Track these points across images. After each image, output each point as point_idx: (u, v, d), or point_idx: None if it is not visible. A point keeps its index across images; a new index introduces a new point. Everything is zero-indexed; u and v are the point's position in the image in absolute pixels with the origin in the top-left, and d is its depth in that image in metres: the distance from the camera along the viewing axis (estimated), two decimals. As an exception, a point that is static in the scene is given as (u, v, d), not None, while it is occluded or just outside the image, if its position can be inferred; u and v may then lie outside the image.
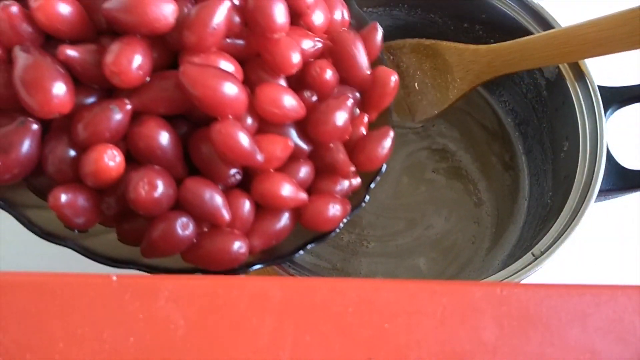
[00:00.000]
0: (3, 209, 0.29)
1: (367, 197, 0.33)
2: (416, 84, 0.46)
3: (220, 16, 0.28)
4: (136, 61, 0.27)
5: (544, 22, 0.43)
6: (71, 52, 0.27)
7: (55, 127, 0.28)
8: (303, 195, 0.30)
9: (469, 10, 0.47)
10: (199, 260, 0.29)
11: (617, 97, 0.42)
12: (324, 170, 0.32)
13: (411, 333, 0.22)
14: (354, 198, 0.33)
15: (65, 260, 0.50)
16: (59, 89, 0.26)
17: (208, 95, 0.27)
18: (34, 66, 0.26)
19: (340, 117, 0.31)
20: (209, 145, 0.28)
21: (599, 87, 0.41)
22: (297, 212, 0.31)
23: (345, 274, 0.46)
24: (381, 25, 0.50)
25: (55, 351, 0.21)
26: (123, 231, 0.30)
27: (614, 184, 0.39)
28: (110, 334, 0.21)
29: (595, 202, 0.37)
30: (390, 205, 0.49)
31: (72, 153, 0.27)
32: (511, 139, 0.51)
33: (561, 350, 0.21)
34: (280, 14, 0.29)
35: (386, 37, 0.51)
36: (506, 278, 0.35)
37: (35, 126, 0.27)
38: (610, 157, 0.39)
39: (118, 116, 0.27)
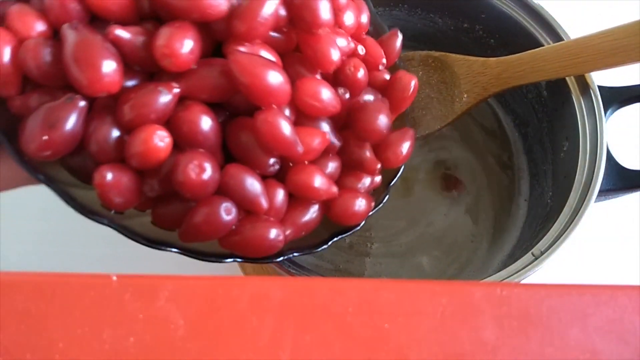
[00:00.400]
0: (44, 182, 0.29)
1: (388, 195, 0.34)
2: (421, 98, 0.46)
3: (270, 8, 0.28)
4: (187, 45, 0.27)
5: (544, 22, 0.43)
6: (120, 32, 0.27)
7: (99, 107, 0.28)
8: (334, 189, 0.31)
9: (469, 10, 0.47)
10: (236, 246, 0.30)
11: (617, 97, 0.42)
12: (350, 166, 0.32)
13: (411, 333, 0.22)
14: (374, 195, 0.34)
15: (65, 260, 0.50)
16: (110, 67, 0.26)
17: (256, 84, 0.28)
18: (85, 43, 0.26)
19: (384, 119, 0.32)
20: (249, 134, 0.29)
21: (599, 87, 0.41)
22: (326, 205, 0.31)
23: (348, 274, 0.46)
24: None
25: (55, 351, 0.21)
26: (159, 214, 0.30)
27: (614, 184, 0.39)
28: (110, 334, 0.21)
29: (595, 202, 0.37)
30: (391, 205, 0.49)
31: (116, 133, 0.27)
32: (511, 139, 0.51)
33: (561, 350, 0.21)
34: (325, 10, 0.30)
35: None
36: (506, 278, 0.35)
37: (82, 103, 0.27)
38: (610, 157, 0.39)
39: (165, 99, 0.27)
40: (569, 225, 0.37)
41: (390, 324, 0.22)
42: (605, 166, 0.38)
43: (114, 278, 0.22)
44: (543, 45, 0.43)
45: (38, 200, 0.53)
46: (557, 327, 0.22)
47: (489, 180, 0.50)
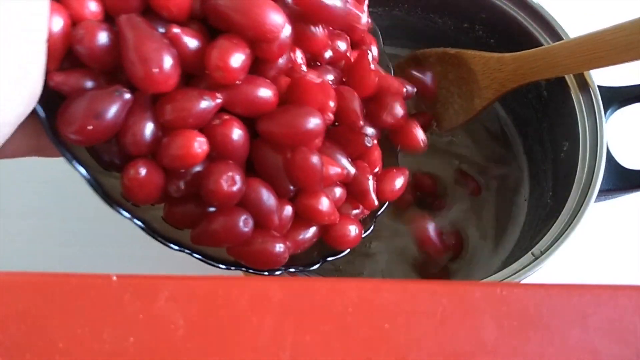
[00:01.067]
0: (73, 164, 0.28)
1: (373, 226, 0.37)
2: (442, 94, 0.46)
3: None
4: (240, 62, 0.28)
5: (544, 22, 0.43)
6: (179, 32, 0.28)
7: (140, 101, 0.28)
8: (337, 215, 0.32)
9: (469, 10, 0.47)
10: (243, 256, 0.31)
11: (617, 97, 0.42)
12: (350, 194, 0.34)
13: (411, 333, 0.22)
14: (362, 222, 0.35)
15: (65, 261, 0.50)
16: (169, 65, 0.27)
17: (298, 125, 0.30)
18: (147, 38, 0.26)
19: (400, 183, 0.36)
20: (278, 158, 0.30)
21: (599, 87, 0.41)
22: (324, 228, 0.33)
23: (347, 275, 0.46)
24: (381, 25, 0.50)
25: (55, 351, 0.21)
26: (174, 213, 0.31)
27: (614, 184, 0.39)
28: (110, 334, 0.21)
29: (595, 202, 0.37)
30: (391, 204, 0.49)
31: (153, 130, 0.28)
32: (511, 139, 0.51)
33: (561, 350, 0.21)
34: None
35: (387, 37, 0.52)
36: (506, 278, 0.35)
37: (128, 96, 0.27)
38: (610, 157, 0.39)
39: (207, 107, 0.28)
40: (569, 225, 0.37)
41: (390, 324, 0.22)
42: (605, 166, 0.38)
43: (114, 278, 0.22)
44: (542, 44, 0.43)
45: (38, 199, 0.53)
46: (557, 327, 0.22)
47: (492, 181, 0.50)
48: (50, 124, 0.27)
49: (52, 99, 0.27)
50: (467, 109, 0.45)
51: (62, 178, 0.48)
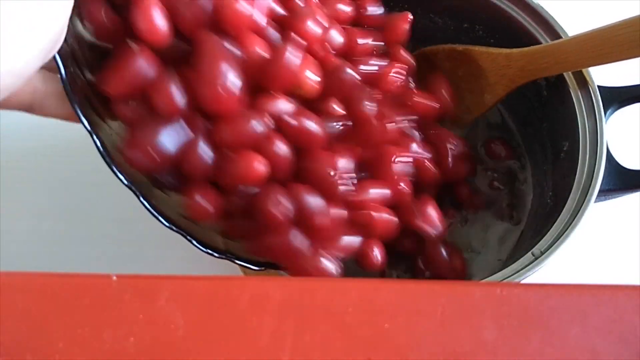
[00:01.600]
0: (128, 185, 0.30)
1: None
2: (452, 90, 0.45)
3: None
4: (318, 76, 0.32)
5: (544, 22, 0.43)
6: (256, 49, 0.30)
7: (200, 127, 0.29)
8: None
9: (469, 10, 0.47)
10: (295, 271, 0.32)
11: (617, 97, 0.42)
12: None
13: (411, 333, 0.22)
14: None
15: (65, 261, 0.50)
16: (236, 85, 0.28)
17: None
18: (223, 59, 0.27)
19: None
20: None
21: (599, 87, 0.41)
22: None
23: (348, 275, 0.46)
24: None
25: (55, 351, 0.21)
26: (230, 226, 0.32)
27: (614, 184, 0.39)
28: (110, 334, 0.21)
29: (595, 202, 0.37)
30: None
31: (213, 154, 0.29)
32: (511, 139, 0.51)
33: (561, 350, 0.21)
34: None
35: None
36: (506, 278, 0.35)
37: (188, 131, 0.29)
38: (610, 157, 0.39)
39: (263, 130, 0.29)
40: (569, 225, 0.37)
41: (390, 324, 0.22)
42: (605, 166, 0.38)
43: (114, 278, 0.22)
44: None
45: (38, 199, 0.53)
46: (557, 327, 0.22)
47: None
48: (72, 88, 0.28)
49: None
50: (478, 104, 0.45)
51: (62, 178, 0.48)
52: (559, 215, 0.38)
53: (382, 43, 0.41)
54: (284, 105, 0.30)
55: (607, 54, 0.37)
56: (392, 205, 0.35)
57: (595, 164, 0.39)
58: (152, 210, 0.30)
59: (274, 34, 0.31)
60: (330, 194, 0.31)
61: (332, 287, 0.23)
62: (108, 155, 0.29)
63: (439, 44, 0.50)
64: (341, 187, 0.32)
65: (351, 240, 0.33)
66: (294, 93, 0.32)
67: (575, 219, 0.37)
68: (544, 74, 0.41)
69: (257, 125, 0.29)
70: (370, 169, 0.35)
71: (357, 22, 0.40)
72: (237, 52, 0.29)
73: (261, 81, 0.30)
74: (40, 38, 0.25)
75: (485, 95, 0.44)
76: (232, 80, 0.27)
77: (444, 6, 0.48)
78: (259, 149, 0.30)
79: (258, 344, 0.21)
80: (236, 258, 0.33)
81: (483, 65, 0.44)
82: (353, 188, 0.32)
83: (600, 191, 0.38)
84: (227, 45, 0.28)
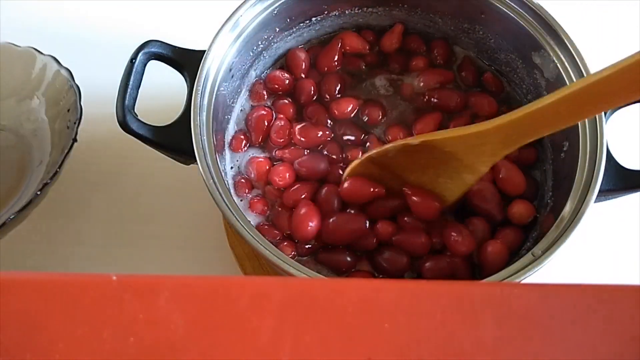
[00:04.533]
0: None
1: None
2: (419, 179, 0.41)
3: None
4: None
5: (544, 22, 0.43)
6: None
7: None
8: None
9: (469, 10, 0.47)
10: None
11: (617, 97, 0.41)
12: None
13: (411, 333, 0.22)
14: None
15: (65, 261, 0.50)
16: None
17: None
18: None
19: None
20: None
21: (599, 87, 0.41)
22: None
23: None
24: (381, 25, 0.50)
25: (55, 351, 0.21)
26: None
27: (614, 184, 0.39)
28: (110, 334, 0.21)
29: (595, 202, 0.37)
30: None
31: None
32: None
33: (561, 350, 0.21)
34: None
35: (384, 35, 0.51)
36: (506, 278, 0.35)
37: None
38: (610, 157, 0.39)
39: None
40: (569, 225, 0.37)
41: (390, 324, 0.22)
42: (605, 166, 0.38)
43: (114, 278, 0.22)
44: (542, 45, 0.43)
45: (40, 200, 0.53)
46: (557, 327, 0.22)
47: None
48: None
49: None
50: (459, 185, 0.40)
51: (63, 179, 0.48)
52: (559, 215, 0.38)
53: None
54: None
55: (603, 102, 0.33)
56: None
57: (595, 164, 0.39)
58: None
59: None
60: None
61: (332, 287, 0.23)
62: None
63: (438, 44, 0.50)
64: None
65: None
66: None
67: (575, 219, 0.37)
68: (531, 138, 0.36)
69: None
70: None
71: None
72: None
73: None
74: None
75: (463, 175, 0.40)
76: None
77: (444, 6, 0.48)
78: None
79: (258, 344, 0.21)
80: None
81: (451, 150, 0.38)
82: None
83: (600, 191, 0.38)
84: None
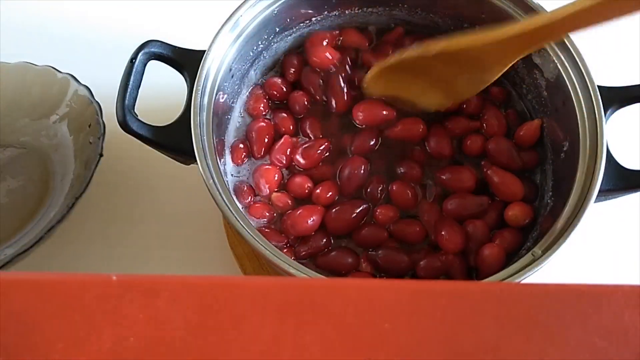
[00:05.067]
0: None
1: None
2: (440, 73, 0.42)
3: None
4: None
5: (544, 22, 0.43)
6: None
7: None
8: None
9: (469, 10, 0.47)
10: None
11: (617, 97, 0.42)
12: None
13: (411, 333, 0.22)
14: None
15: (65, 260, 0.50)
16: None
17: None
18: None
19: None
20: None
21: (599, 87, 0.41)
22: None
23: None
24: (381, 25, 0.50)
25: (55, 351, 0.21)
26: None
27: (614, 184, 0.39)
28: (110, 334, 0.21)
29: (595, 202, 0.37)
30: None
31: None
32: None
33: (561, 350, 0.21)
34: None
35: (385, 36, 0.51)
36: (506, 278, 0.35)
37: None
38: (610, 157, 0.39)
39: None
40: (569, 225, 0.37)
41: (390, 324, 0.22)
42: (605, 166, 0.38)
43: (114, 278, 0.22)
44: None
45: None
46: (557, 327, 0.22)
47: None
48: None
49: None
50: (476, 83, 0.43)
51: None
52: (559, 215, 0.38)
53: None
54: None
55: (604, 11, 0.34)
56: None
57: (595, 164, 0.39)
58: None
59: None
60: None
61: (332, 287, 0.23)
62: None
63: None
64: None
65: None
66: None
67: (575, 219, 0.37)
68: (544, 43, 0.40)
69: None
70: None
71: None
72: None
73: None
74: None
75: (482, 75, 0.42)
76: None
77: (444, 6, 0.48)
78: None
79: (258, 344, 0.21)
80: None
81: (474, 54, 0.40)
82: None
83: (600, 191, 0.38)
84: None
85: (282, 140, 0.46)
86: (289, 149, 0.46)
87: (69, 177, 0.50)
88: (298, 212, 0.43)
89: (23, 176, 0.52)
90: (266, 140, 0.46)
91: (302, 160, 0.45)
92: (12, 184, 0.51)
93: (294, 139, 0.46)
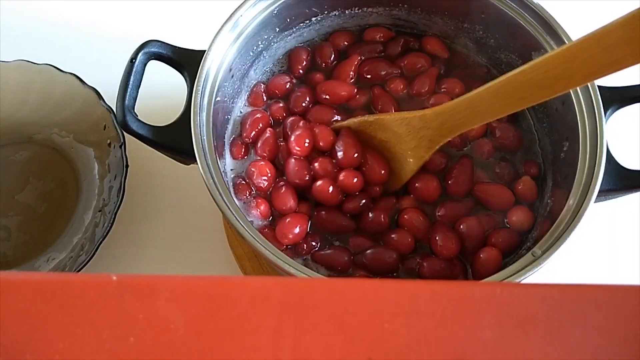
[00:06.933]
0: None
1: None
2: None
3: None
4: None
5: (544, 22, 0.43)
6: None
7: None
8: None
9: (469, 10, 0.47)
10: None
11: (617, 97, 0.42)
12: None
13: (411, 333, 0.22)
14: None
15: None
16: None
17: None
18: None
19: None
20: None
21: (599, 87, 0.41)
22: None
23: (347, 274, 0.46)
24: (381, 25, 0.50)
25: (55, 351, 0.21)
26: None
27: (614, 184, 0.39)
28: (110, 334, 0.21)
29: (595, 202, 0.37)
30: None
31: None
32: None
33: (561, 350, 0.21)
34: None
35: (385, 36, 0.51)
36: (506, 278, 0.35)
37: None
38: (610, 157, 0.39)
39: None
40: (569, 225, 0.37)
41: (390, 324, 0.22)
42: (605, 166, 0.38)
43: (114, 278, 0.22)
44: (542, 45, 0.43)
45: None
46: (557, 327, 0.22)
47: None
48: None
49: None
50: (405, 169, 0.43)
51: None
52: (559, 215, 0.38)
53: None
54: None
55: (523, 98, 0.36)
56: None
57: (595, 164, 0.39)
58: None
59: None
60: None
61: (332, 287, 0.23)
62: None
63: (436, 43, 0.50)
64: None
65: None
66: None
67: (575, 219, 0.37)
68: (464, 129, 0.40)
69: None
70: None
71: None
72: None
73: None
74: None
75: (409, 159, 0.43)
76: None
77: (444, 6, 0.48)
78: None
79: (258, 344, 0.21)
80: None
81: (399, 131, 0.42)
82: None
83: (600, 191, 0.38)
84: None
85: (268, 133, 0.45)
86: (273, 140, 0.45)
87: (91, 179, 0.51)
88: (287, 221, 0.42)
89: (50, 176, 0.52)
90: (260, 126, 0.46)
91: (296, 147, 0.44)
92: (40, 187, 0.51)
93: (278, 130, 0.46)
